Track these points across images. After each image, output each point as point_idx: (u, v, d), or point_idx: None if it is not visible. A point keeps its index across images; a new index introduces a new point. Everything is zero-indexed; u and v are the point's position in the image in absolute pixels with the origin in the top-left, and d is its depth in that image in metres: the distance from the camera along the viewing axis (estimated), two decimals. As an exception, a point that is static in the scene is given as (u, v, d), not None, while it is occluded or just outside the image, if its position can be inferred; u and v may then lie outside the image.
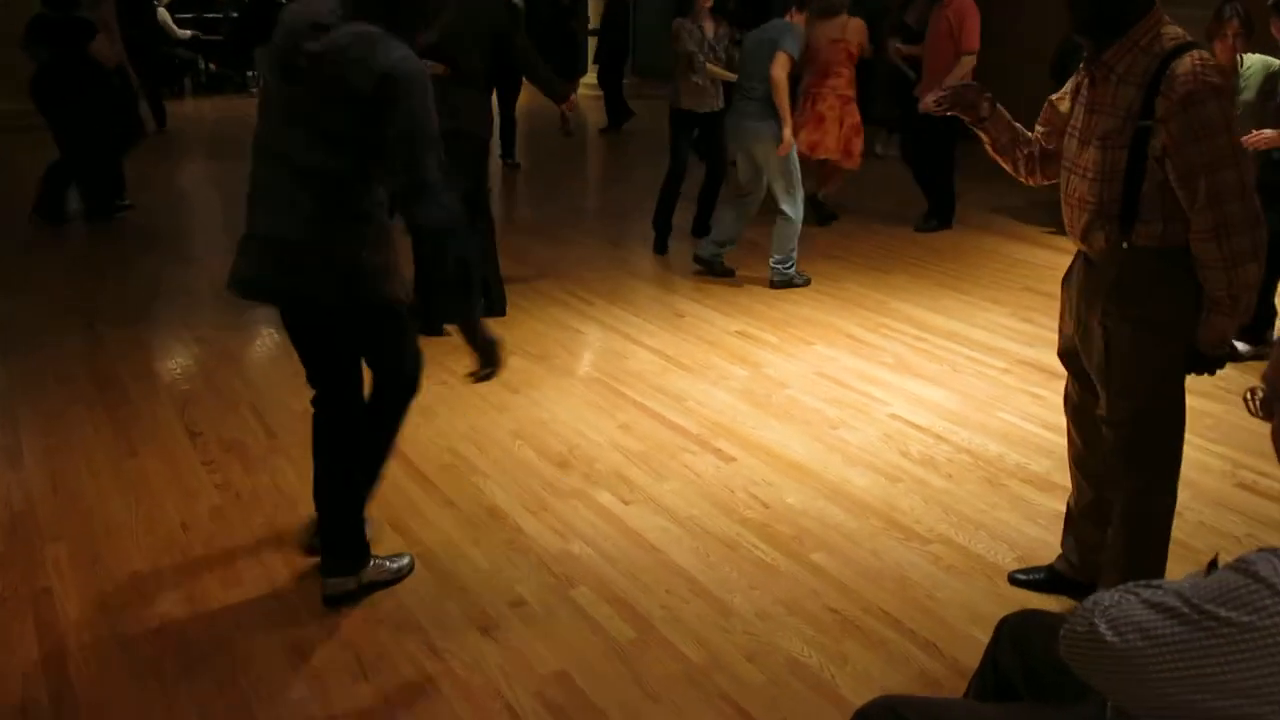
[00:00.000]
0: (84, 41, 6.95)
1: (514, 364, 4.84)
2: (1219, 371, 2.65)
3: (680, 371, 4.82)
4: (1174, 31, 2.45)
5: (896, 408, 4.49)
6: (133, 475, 3.74)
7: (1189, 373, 2.64)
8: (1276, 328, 5.29)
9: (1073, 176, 2.63)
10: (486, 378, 2.85)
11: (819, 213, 7.66)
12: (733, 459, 3.99)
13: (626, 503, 3.63)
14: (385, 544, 3.32)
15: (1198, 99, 2.34)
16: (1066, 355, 2.97)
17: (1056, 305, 3.00)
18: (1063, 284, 2.90)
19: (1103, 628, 1.58)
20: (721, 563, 3.30)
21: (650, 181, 9.12)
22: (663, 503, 3.65)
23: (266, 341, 5.18)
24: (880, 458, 4.03)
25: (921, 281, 6.37)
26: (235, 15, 13.58)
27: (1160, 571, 2.84)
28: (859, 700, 2.69)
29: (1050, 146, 2.86)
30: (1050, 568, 3.20)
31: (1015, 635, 2.12)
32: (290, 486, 3.66)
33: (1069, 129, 2.67)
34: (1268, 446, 4.30)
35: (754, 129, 5.95)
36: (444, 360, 4.85)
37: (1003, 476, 3.95)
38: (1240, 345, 5.20)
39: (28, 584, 3.09)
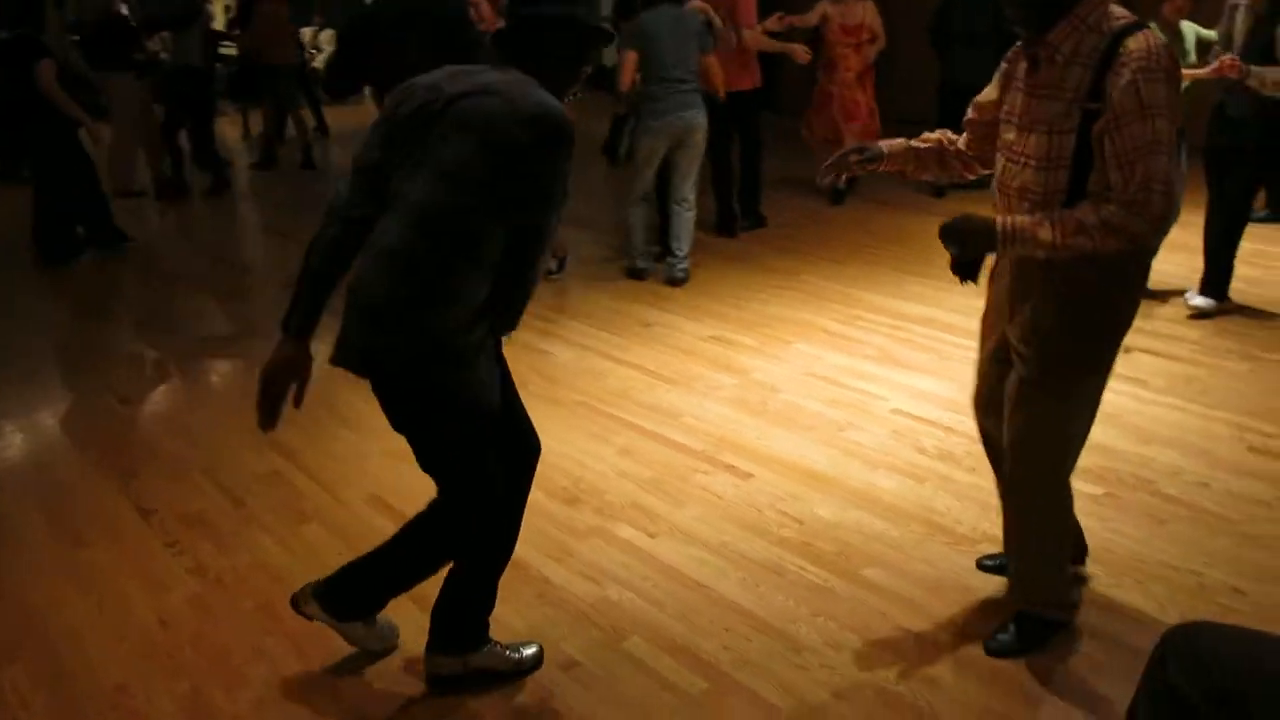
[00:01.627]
0: (30, 63, 6.35)
1: (486, 396, 4.47)
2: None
3: (666, 385, 4.52)
4: (1121, 10, 2.31)
5: (897, 402, 4.28)
6: (86, 570, 3.25)
7: (942, 233, 2.41)
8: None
9: (1010, 165, 2.46)
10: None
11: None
12: (749, 475, 3.71)
13: (651, 535, 3.32)
14: (402, 614, 2.95)
15: (1150, 75, 2.19)
16: (991, 357, 2.78)
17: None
18: (991, 280, 2.72)
19: None
20: (773, 591, 3.02)
21: (605, 180, 8.96)
22: (690, 531, 3.35)
23: (202, 396, 4.69)
24: (898, 457, 3.81)
25: (879, 269, 6.21)
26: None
27: (1065, 553, 2.79)
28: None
29: (976, 153, 2.76)
30: None
31: (1191, 657, 1.88)
32: (276, 561, 3.23)
33: (1004, 116, 2.51)
34: (1263, 406, 4.29)
35: (698, 120, 5.73)
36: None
37: (1026, 463, 3.77)
38: (1202, 300, 5.18)
39: (-14, 719, 2.62)
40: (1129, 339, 5.08)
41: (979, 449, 3.81)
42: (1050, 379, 2.52)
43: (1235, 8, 4.93)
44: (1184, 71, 4.80)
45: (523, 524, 2.80)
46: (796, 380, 4.54)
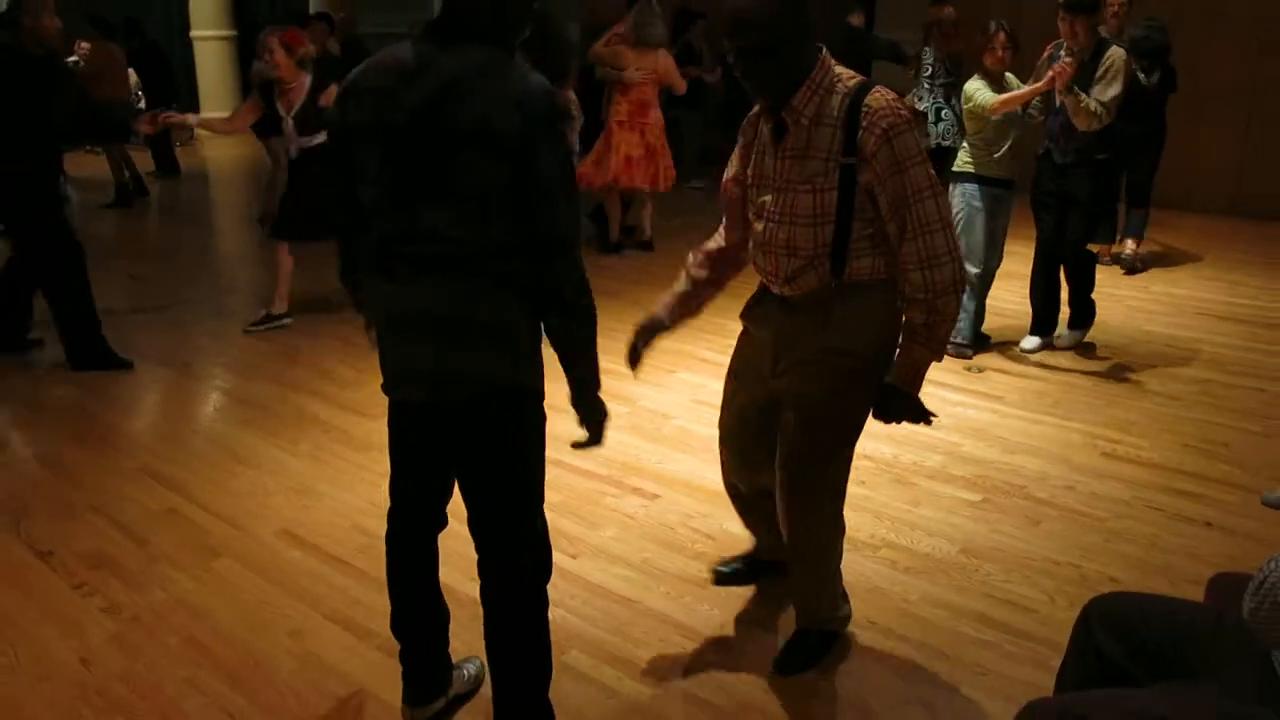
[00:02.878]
0: None
1: (384, 428, 4.43)
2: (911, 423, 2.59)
3: (558, 415, 4.55)
4: (845, 70, 2.50)
5: (782, 424, 4.49)
6: (-14, 614, 3.10)
7: (879, 416, 2.61)
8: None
9: (773, 225, 2.55)
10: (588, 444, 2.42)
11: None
12: (656, 496, 3.84)
13: (573, 556, 3.40)
14: (336, 646, 2.93)
15: (898, 131, 2.38)
16: (743, 382, 2.91)
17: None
18: (745, 317, 2.87)
19: None
20: (698, 602, 3.16)
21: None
22: (610, 551, 3.45)
23: (79, 435, 4.47)
24: (793, 474, 4.01)
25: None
26: None
27: (835, 579, 2.88)
28: (893, 714, 2.67)
29: (739, 237, 2.79)
30: (749, 555, 3.23)
31: (1111, 621, 2.12)
32: (194, 597, 3.15)
33: (754, 182, 2.62)
34: (1108, 416, 4.69)
35: None
36: (305, 430, 4.41)
37: (908, 475, 4.04)
38: (1030, 340, 5.58)
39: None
40: (980, 360, 5.44)
41: (867, 463, 4.11)
42: (822, 417, 2.64)
43: (1051, 59, 5.35)
44: (1022, 91, 5.14)
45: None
46: (685, 407, 4.71)
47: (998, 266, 5.54)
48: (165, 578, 3.26)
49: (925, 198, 2.40)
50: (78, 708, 2.65)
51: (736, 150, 2.71)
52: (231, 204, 10.16)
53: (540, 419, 2.35)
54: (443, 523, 2.55)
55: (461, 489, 2.37)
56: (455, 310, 2.13)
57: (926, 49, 7.16)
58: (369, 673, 2.80)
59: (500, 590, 2.38)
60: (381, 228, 2.16)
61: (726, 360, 5.21)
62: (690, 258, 2.88)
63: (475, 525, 2.37)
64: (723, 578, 3.23)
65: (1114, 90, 4.95)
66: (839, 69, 2.48)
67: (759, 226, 2.60)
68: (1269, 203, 8.69)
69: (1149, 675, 2.02)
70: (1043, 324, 5.58)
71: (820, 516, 2.76)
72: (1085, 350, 5.49)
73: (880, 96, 2.41)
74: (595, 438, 2.40)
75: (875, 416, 2.62)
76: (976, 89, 5.25)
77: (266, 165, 9.40)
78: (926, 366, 2.55)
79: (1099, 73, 4.98)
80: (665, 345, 5.48)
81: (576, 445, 2.40)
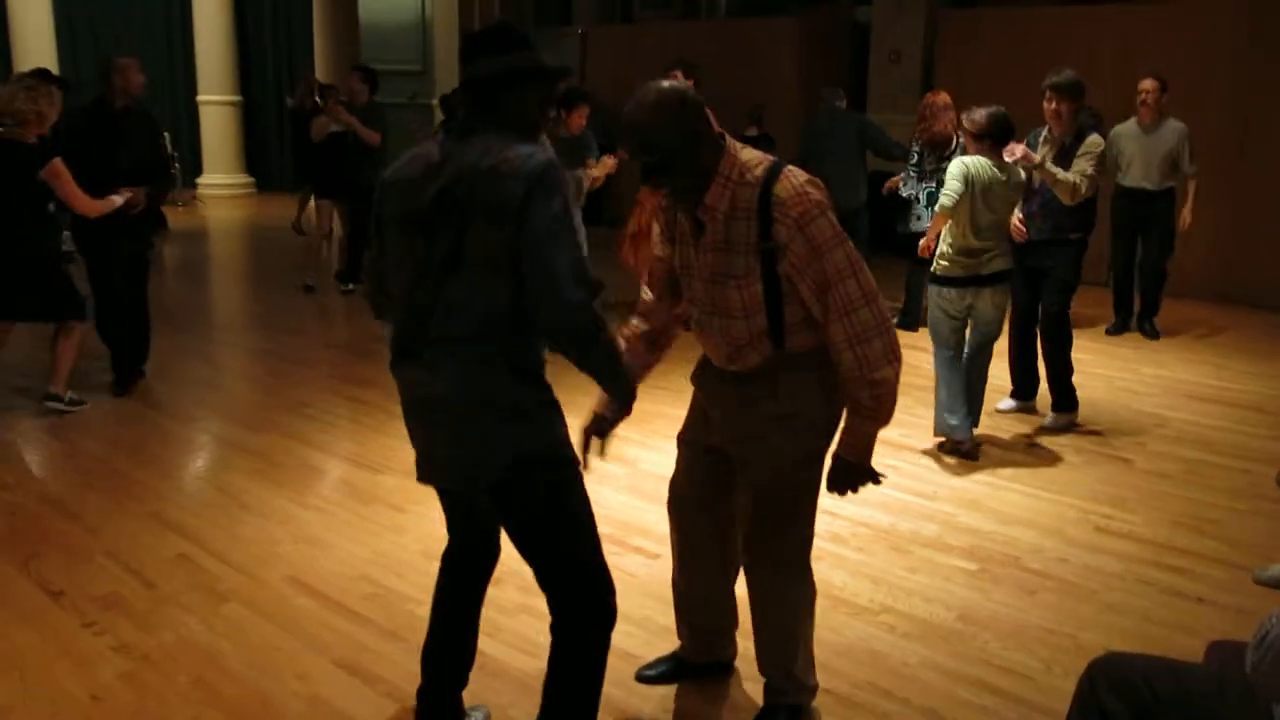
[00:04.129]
0: None
1: (387, 482, 4.53)
2: (861, 490, 2.64)
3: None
4: (754, 156, 2.52)
5: (781, 490, 4.57)
6: (3, 650, 3.13)
7: (833, 489, 2.65)
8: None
9: (706, 316, 2.61)
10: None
11: None
12: (657, 555, 3.90)
13: (577, 611, 3.45)
14: (344, 690, 2.97)
15: (810, 218, 2.42)
16: (695, 445, 2.92)
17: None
18: (695, 382, 2.85)
19: None
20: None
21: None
22: (613, 607, 3.50)
23: (87, 479, 4.52)
24: (792, 538, 4.08)
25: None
26: None
27: (809, 646, 2.87)
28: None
29: (669, 299, 2.84)
30: (675, 656, 3.15)
31: (1115, 682, 2.19)
32: (203, 639, 3.19)
33: (682, 269, 2.66)
34: (1100, 492, 4.76)
35: None
36: (311, 482, 4.48)
37: (904, 543, 4.11)
38: (1007, 402, 5.74)
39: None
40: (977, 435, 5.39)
41: (864, 530, 4.18)
42: (784, 482, 2.66)
43: (1028, 142, 5.46)
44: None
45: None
46: (687, 470, 4.78)
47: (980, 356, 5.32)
48: (175, 620, 3.31)
49: (846, 278, 2.44)
50: (89, 743, 2.69)
51: (658, 230, 2.76)
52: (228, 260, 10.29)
53: (566, 474, 2.42)
54: (496, 552, 2.71)
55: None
56: (468, 394, 2.29)
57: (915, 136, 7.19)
58: (377, 717, 2.84)
59: (560, 630, 2.51)
60: (409, 305, 2.34)
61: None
62: (622, 345, 2.76)
63: (534, 573, 2.53)
64: (647, 680, 3.11)
65: (1089, 168, 5.13)
66: (746, 155, 2.50)
67: (694, 313, 2.66)
68: (1254, 289, 8.86)
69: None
70: (1021, 389, 5.79)
71: (787, 579, 2.77)
72: (1075, 428, 5.60)
73: (787, 184, 2.44)
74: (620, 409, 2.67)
75: (829, 488, 2.65)
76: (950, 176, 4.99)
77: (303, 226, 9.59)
78: (875, 436, 2.58)
79: (1080, 153, 5.17)
80: (661, 411, 5.64)
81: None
